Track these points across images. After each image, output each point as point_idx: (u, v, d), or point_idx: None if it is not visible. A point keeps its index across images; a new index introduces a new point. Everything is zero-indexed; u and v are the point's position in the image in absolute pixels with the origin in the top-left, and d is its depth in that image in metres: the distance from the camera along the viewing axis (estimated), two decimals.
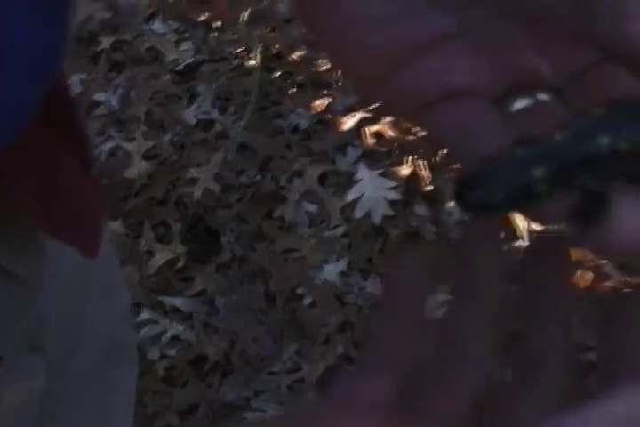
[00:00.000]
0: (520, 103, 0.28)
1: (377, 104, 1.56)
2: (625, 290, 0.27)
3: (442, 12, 0.28)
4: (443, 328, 0.26)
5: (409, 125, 1.52)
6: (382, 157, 1.52)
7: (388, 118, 1.53)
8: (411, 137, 1.52)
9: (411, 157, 1.49)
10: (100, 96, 1.70)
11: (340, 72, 1.60)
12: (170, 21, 1.76)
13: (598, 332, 0.26)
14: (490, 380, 0.24)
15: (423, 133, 1.51)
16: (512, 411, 0.25)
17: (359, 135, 1.54)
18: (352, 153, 1.53)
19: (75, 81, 1.72)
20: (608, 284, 1.32)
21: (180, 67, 1.67)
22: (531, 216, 0.27)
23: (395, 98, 0.30)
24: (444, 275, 0.26)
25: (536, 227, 1.28)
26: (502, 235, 0.28)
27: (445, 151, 1.48)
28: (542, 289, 0.27)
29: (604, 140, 0.26)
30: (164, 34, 1.74)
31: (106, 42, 1.76)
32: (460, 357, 0.25)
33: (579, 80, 0.28)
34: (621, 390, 0.22)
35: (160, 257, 1.47)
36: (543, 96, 0.27)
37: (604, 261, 1.31)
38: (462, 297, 0.26)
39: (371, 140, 1.53)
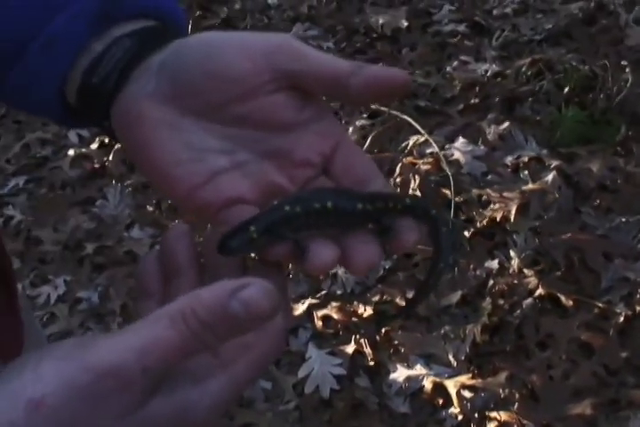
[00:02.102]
0: None
1: (323, 292, 1.98)
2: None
3: (219, 155, 0.57)
4: None
5: (353, 309, 1.92)
6: (330, 337, 1.90)
7: (335, 303, 1.93)
8: (355, 319, 1.91)
9: (355, 337, 1.86)
10: (82, 294, 2.12)
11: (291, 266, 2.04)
12: (146, 228, 2.24)
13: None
14: None
15: (366, 315, 1.91)
16: None
17: (309, 319, 1.93)
18: (303, 335, 1.91)
19: (59, 282, 2.16)
20: None
21: None
22: (266, 257, 0.54)
23: (198, 209, 0.57)
24: None
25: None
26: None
27: (385, 330, 1.86)
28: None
29: (287, 208, 0.53)
30: (140, 239, 2.21)
31: (90, 247, 2.22)
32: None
33: (308, 185, 0.57)
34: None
35: None
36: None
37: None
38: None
39: (319, 323, 1.92)
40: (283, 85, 0.56)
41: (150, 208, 2.30)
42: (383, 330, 1.86)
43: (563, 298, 1.80)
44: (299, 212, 0.53)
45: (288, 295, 0.57)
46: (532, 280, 1.84)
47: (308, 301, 1.95)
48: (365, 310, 1.90)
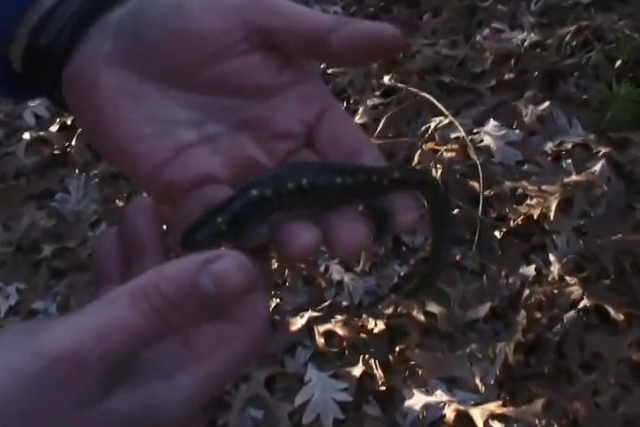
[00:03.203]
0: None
1: (326, 303, 2.00)
2: None
3: (187, 127, 0.58)
4: None
5: (361, 323, 1.94)
6: (333, 357, 1.91)
7: (339, 317, 1.95)
8: (363, 335, 1.92)
9: (363, 357, 1.88)
10: (38, 304, 2.14)
11: (287, 271, 2.06)
12: (115, 227, 2.25)
13: None
14: None
15: (377, 331, 1.92)
16: None
17: (309, 335, 1.95)
18: (302, 354, 1.92)
19: (11, 290, 2.17)
20: None
21: None
22: (236, 244, 0.55)
23: (164, 190, 0.58)
24: None
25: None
26: None
27: (399, 348, 1.87)
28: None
29: (255, 192, 0.54)
30: None
31: (47, 249, 2.24)
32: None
33: (286, 162, 0.59)
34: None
35: None
36: None
37: None
38: None
39: (321, 340, 1.93)
40: (257, 44, 0.58)
41: (120, 203, 2.32)
42: (397, 349, 1.87)
43: (612, 311, 1.81)
44: (269, 195, 0.55)
45: (270, 281, 0.58)
46: (576, 290, 1.85)
47: (308, 314, 1.96)
48: (376, 324, 1.92)
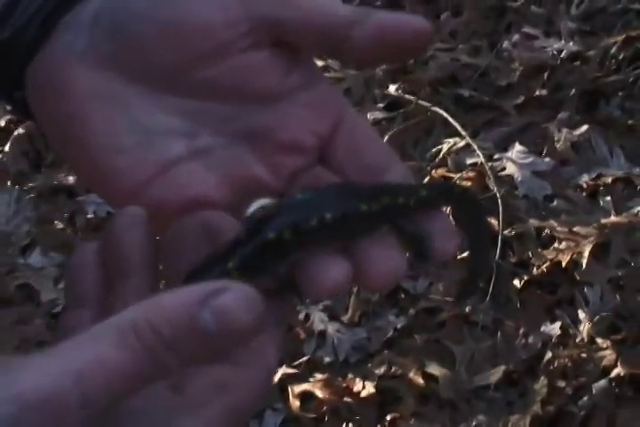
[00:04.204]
0: (251, 208, 0.57)
1: (304, 358, 2.01)
2: None
3: (176, 138, 0.59)
4: None
5: (346, 384, 1.95)
6: (310, 424, 1.92)
7: (320, 375, 1.96)
8: (348, 399, 1.93)
9: (346, 425, 1.89)
10: None
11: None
12: (51, 253, 2.27)
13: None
14: None
15: (365, 394, 1.93)
16: None
17: (282, 396, 1.96)
18: (271, 419, 1.93)
19: None
20: None
21: (58, 309, 2.13)
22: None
23: (148, 212, 0.57)
24: None
25: None
26: None
27: (390, 417, 1.89)
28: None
29: (272, 235, 0.55)
30: (42, 268, 2.24)
31: None
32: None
33: (295, 181, 0.59)
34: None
35: None
36: (267, 200, 0.58)
37: None
38: None
39: (296, 403, 1.95)
40: (264, 40, 0.59)
41: (59, 224, 2.35)
42: (388, 417, 1.88)
43: None
44: (288, 237, 0.56)
45: (284, 324, 0.60)
46: (608, 354, 1.88)
47: (282, 370, 1.98)
48: (364, 386, 1.94)
